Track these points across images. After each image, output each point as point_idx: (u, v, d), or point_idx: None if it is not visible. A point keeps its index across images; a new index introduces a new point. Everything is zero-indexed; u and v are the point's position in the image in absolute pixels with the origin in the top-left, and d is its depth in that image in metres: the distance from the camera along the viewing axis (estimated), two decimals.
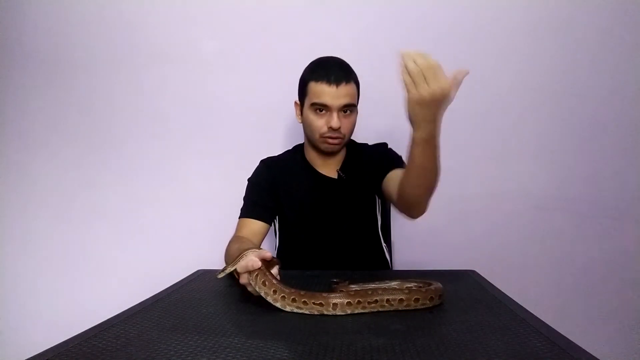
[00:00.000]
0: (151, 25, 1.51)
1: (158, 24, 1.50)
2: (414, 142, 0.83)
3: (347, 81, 1.03)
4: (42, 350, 0.56)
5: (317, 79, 1.03)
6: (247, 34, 1.49)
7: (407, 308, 0.71)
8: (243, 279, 0.76)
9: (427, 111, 0.79)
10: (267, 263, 0.76)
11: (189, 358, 0.53)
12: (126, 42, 1.52)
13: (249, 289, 0.76)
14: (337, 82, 1.01)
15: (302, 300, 0.70)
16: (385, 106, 1.46)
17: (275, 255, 0.80)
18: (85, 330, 0.63)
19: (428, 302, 0.72)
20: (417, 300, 0.71)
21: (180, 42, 1.50)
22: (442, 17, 1.44)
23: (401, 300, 0.70)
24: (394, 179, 1.04)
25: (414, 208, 0.97)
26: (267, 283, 0.72)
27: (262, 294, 0.72)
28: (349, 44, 1.43)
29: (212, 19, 1.49)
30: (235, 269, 0.78)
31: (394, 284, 0.81)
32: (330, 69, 1.04)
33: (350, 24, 1.46)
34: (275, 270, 0.78)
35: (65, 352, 0.55)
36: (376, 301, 0.70)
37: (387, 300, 0.70)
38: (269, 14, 1.47)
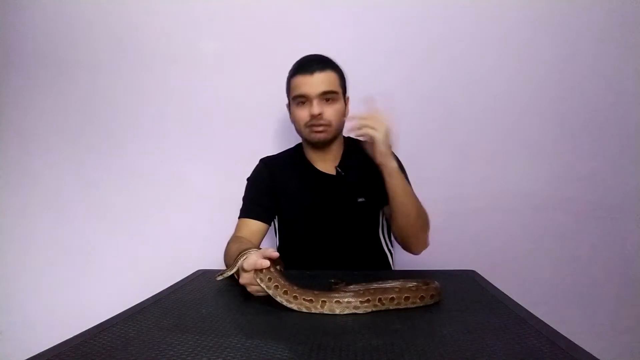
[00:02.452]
0: (152, 26, 1.51)
1: (159, 24, 1.50)
2: (391, 176, 1.00)
3: (322, 69, 1.05)
4: (42, 350, 0.56)
5: (294, 72, 1.07)
6: (247, 35, 1.49)
7: (399, 307, 0.71)
8: (243, 279, 0.76)
9: (387, 146, 0.98)
10: (271, 262, 0.76)
11: (189, 358, 0.53)
12: (127, 42, 1.52)
13: (249, 289, 0.76)
14: (312, 71, 1.04)
15: (293, 295, 0.70)
16: (385, 106, 1.46)
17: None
18: (85, 330, 0.63)
19: (418, 300, 0.72)
20: (407, 298, 0.71)
21: (180, 42, 1.50)
22: (441, 18, 1.44)
23: (392, 299, 0.71)
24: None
25: (413, 240, 1.07)
26: (264, 270, 0.73)
27: (258, 280, 0.73)
28: (349, 44, 1.44)
29: (212, 20, 1.49)
30: (239, 269, 0.79)
31: (394, 284, 0.81)
32: (305, 62, 1.07)
33: (350, 24, 1.46)
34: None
35: (65, 352, 0.55)
36: (368, 300, 0.70)
37: (379, 299, 0.70)
38: (269, 15, 1.47)
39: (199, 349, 0.55)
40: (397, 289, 0.72)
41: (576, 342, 0.56)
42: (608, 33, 1.41)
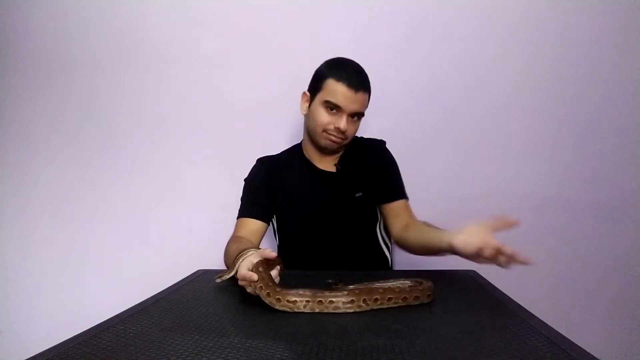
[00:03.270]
0: (152, 26, 1.51)
1: (159, 24, 1.50)
2: (446, 250, 0.89)
3: (365, 90, 1.04)
4: (42, 350, 0.56)
5: (338, 78, 1.02)
6: (247, 35, 1.48)
7: (381, 306, 0.71)
8: (241, 282, 0.77)
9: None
10: (268, 262, 0.76)
11: (189, 358, 0.53)
12: (127, 42, 1.52)
13: (248, 290, 0.76)
14: (357, 88, 1.02)
15: (276, 297, 0.70)
16: (385, 106, 1.46)
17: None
18: (85, 330, 0.63)
19: (401, 301, 0.72)
20: (390, 299, 0.72)
21: (181, 42, 1.50)
22: (442, 18, 1.44)
23: (376, 299, 0.71)
24: (394, 215, 1.14)
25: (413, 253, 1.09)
26: (253, 269, 0.73)
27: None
28: (349, 44, 1.43)
29: (212, 20, 1.49)
30: (239, 265, 0.79)
31: (381, 284, 0.81)
32: (352, 72, 1.04)
33: (350, 24, 1.46)
34: (275, 272, 0.78)
35: (66, 352, 0.55)
36: (352, 301, 0.70)
37: (364, 300, 0.70)
38: (270, 15, 1.47)
39: (199, 349, 0.55)
40: (380, 290, 0.72)
41: (576, 342, 0.56)
42: (608, 33, 1.41)
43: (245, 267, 0.74)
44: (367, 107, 1.09)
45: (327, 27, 1.47)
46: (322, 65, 1.09)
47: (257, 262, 0.74)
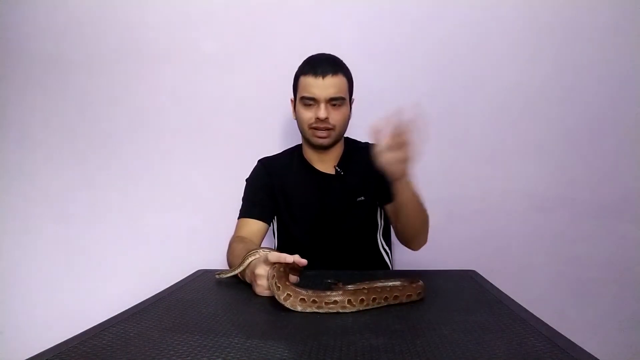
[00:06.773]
0: (150, 25, 1.51)
1: (157, 24, 1.50)
2: (404, 189, 0.94)
3: (334, 73, 1.04)
4: (42, 350, 0.56)
5: (306, 72, 1.06)
6: (246, 34, 1.49)
7: (367, 307, 0.71)
8: (260, 270, 0.78)
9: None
10: (296, 267, 0.77)
11: (189, 358, 0.53)
12: (126, 42, 1.52)
13: (259, 281, 0.78)
14: (323, 74, 1.03)
15: (277, 289, 0.71)
16: (385, 105, 1.46)
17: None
18: (85, 330, 0.63)
19: (383, 301, 0.73)
20: (374, 299, 0.72)
21: (180, 42, 1.50)
22: (442, 18, 1.44)
23: (362, 300, 0.71)
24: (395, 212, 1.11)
25: (414, 240, 1.08)
26: (276, 265, 0.75)
27: (270, 269, 0.76)
28: (349, 43, 1.43)
29: (211, 19, 1.49)
30: (251, 265, 0.81)
31: (371, 285, 0.81)
32: (317, 63, 1.06)
33: (350, 24, 1.46)
34: (295, 278, 0.80)
35: (65, 352, 0.55)
36: (335, 302, 0.70)
37: (349, 301, 0.70)
38: (269, 14, 1.47)
39: (199, 349, 0.55)
40: (365, 290, 0.73)
41: (576, 342, 0.56)
42: (608, 34, 1.41)
43: (275, 257, 0.76)
44: (348, 91, 1.09)
45: (327, 26, 1.47)
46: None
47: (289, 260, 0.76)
